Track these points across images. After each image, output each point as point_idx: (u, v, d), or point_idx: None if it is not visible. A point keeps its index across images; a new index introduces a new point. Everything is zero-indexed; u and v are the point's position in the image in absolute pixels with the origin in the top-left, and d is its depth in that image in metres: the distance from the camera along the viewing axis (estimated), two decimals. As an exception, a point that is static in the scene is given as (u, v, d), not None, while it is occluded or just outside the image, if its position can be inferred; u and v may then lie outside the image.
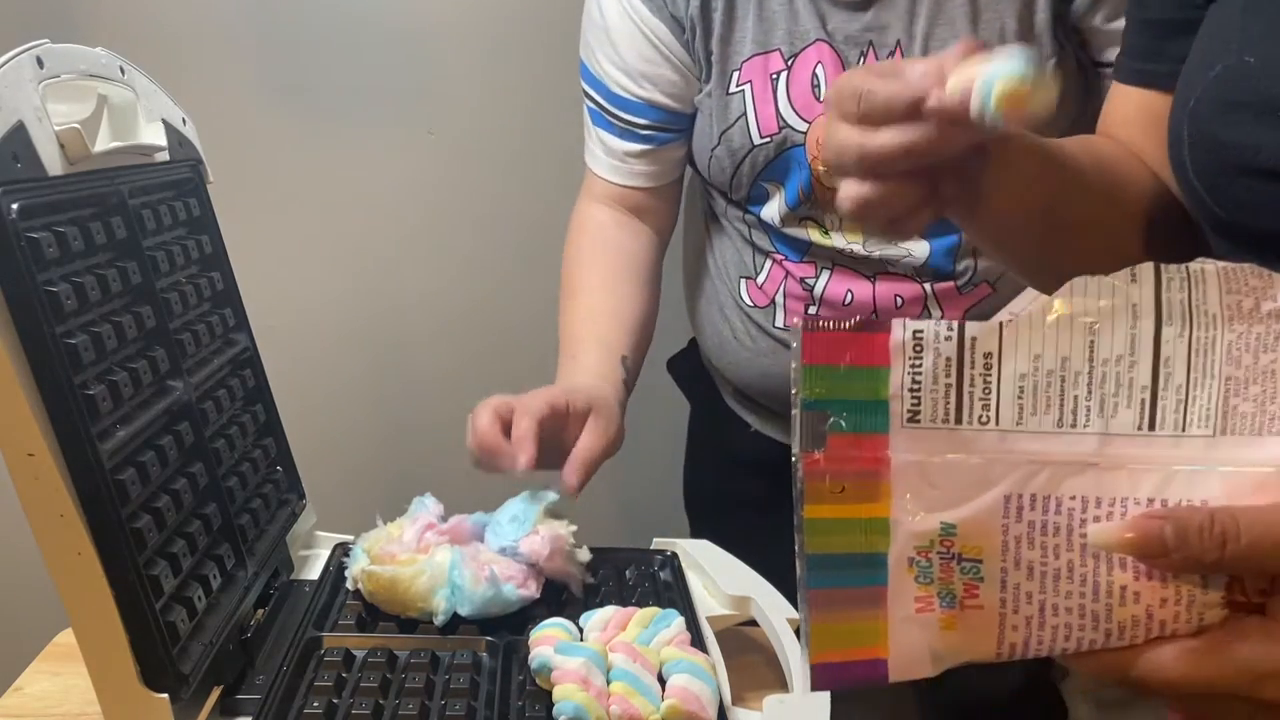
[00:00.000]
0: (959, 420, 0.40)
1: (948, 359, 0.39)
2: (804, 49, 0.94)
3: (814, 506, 0.40)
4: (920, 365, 0.39)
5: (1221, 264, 0.39)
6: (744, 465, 1.18)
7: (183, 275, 0.77)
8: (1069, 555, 0.39)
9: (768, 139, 0.96)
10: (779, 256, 1.04)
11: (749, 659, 0.78)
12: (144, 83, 0.75)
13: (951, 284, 0.98)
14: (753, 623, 0.80)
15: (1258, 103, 0.53)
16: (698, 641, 0.73)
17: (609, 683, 0.66)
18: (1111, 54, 0.89)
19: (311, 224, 1.44)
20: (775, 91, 0.96)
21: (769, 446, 1.13)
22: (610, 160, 1.08)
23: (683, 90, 1.02)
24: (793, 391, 0.39)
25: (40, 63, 0.60)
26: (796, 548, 0.40)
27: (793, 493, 0.40)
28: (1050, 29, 0.89)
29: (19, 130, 0.57)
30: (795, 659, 0.73)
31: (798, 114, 0.95)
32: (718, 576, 0.83)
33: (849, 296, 1.01)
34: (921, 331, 0.39)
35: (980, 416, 0.40)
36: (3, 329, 0.54)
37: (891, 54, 0.91)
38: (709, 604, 0.81)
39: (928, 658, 0.41)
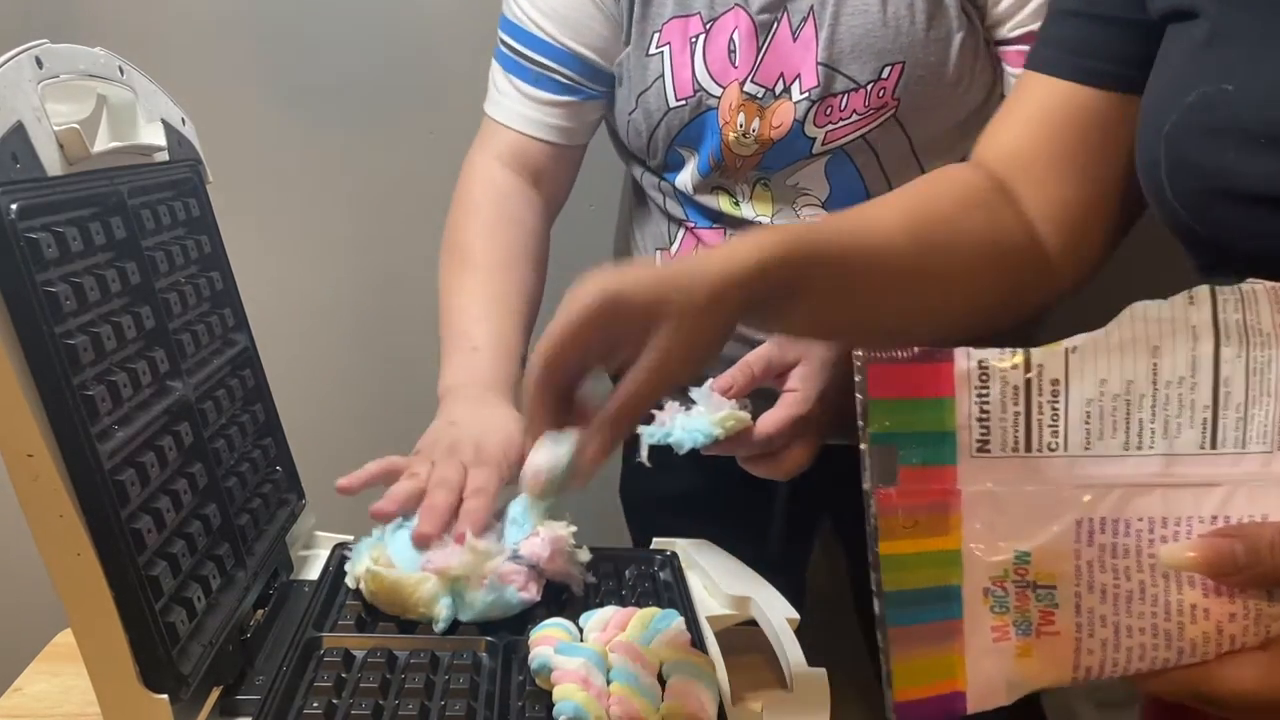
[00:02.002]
0: (1029, 448, 0.40)
1: (1015, 387, 0.40)
2: (723, 14, 0.95)
3: (889, 543, 0.40)
4: (988, 394, 0.40)
5: (1269, 284, 0.40)
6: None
7: (182, 275, 0.77)
8: (1140, 576, 0.40)
9: (683, 102, 0.97)
10: (690, 224, 1.04)
11: (749, 659, 0.78)
12: (143, 83, 0.75)
13: None
14: (753, 623, 0.80)
15: (1238, 130, 0.54)
16: (698, 641, 0.72)
17: (609, 683, 0.66)
18: (1004, 31, 0.90)
19: (311, 224, 1.44)
20: (693, 55, 0.96)
21: None
22: (521, 109, 1.04)
23: (608, 45, 1.01)
24: (859, 425, 0.40)
25: (39, 63, 0.60)
26: (873, 586, 0.40)
27: (865, 529, 0.40)
28: (958, 3, 0.89)
29: (18, 130, 0.57)
30: (795, 659, 0.73)
31: (713, 78, 0.96)
32: (718, 576, 0.83)
33: None
34: (986, 360, 0.40)
35: (1049, 443, 0.40)
36: (2, 329, 0.54)
37: (805, 20, 0.92)
38: (709, 604, 0.81)
39: (1003, 686, 0.41)
